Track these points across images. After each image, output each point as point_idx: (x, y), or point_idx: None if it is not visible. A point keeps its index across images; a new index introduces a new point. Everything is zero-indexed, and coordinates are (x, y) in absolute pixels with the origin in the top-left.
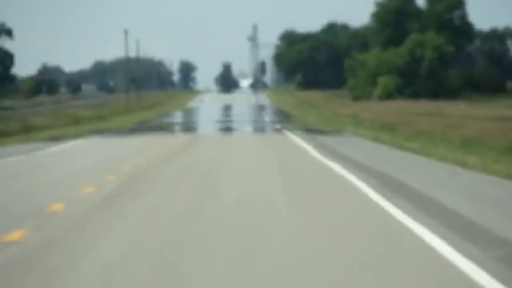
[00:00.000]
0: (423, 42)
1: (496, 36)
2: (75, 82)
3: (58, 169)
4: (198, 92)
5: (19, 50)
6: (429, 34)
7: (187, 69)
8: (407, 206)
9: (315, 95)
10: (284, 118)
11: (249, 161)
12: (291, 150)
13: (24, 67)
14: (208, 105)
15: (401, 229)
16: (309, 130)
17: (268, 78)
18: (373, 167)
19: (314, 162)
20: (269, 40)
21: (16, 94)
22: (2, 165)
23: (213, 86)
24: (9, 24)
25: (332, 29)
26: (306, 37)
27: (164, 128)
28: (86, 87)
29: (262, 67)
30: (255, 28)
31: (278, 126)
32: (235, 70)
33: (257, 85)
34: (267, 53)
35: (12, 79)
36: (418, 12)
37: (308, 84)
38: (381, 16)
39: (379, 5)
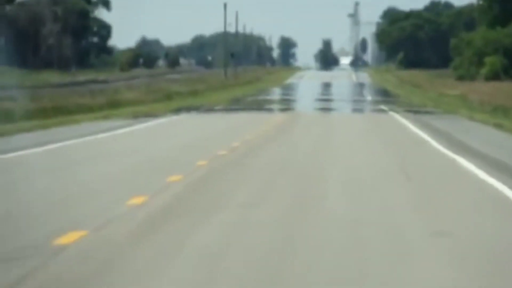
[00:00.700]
0: None
1: None
2: (173, 56)
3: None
4: (297, 69)
5: (118, 22)
6: None
7: (287, 45)
8: None
9: (418, 74)
10: (388, 98)
11: (358, 155)
12: (405, 137)
13: (123, 40)
14: (307, 82)
15: None
16: (417, 112)
17: (369, 56)
18: None
19: (439, 157)
20: (371, 18)
21: (113, 67)
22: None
23: (312, 63)
24: None
25: (435, 7)
26: (409, 15)
27: (261, 106)
28: (184, 62)
29: (362, 45)
30: (356, 5)
31: (382, 106)
32: (335, 48)
33: (358, 63)
34: (368, 31)
35: (109, 51)
36: None
37: (410, 63)
38: None
39: None
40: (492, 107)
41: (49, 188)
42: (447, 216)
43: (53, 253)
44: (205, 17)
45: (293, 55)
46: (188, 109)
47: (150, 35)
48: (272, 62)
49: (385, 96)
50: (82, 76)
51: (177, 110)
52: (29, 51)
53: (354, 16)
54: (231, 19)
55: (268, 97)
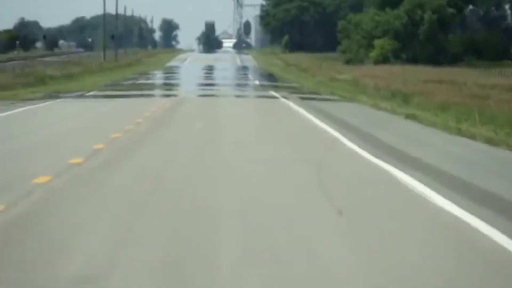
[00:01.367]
0: (423, 3)
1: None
2: (51, 38)
3: None
4: (180, 51)
5: None
6: None
7: (169, 28)
8: None
9: (304, 58)
10: (276, 82)
11: (256, 163)
12: (308, 133)
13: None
14: (190, 64)
15: None
16: (312, 99)
17: (252, 39)
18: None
19: (365, 167)
20: (254, 0)
21: None
22: None
23: (195, 46)
24: None
25: None
26: None
27: (139, 90)
28: (64, 44)
29: (246, 28)
30: None
31: (272, 92)
32: (219, 30)
33: (241, 45)
34: (251, 13)
35: None
36: None
37: (295, 46)
38: None
39: None
40: (390, 93)
41: None
42: None
43: None
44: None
45: (175, 38)
46: (58, 94)
47: (29, 16)
48: (154, 44)
49: (273, 80)
50: None
51: (46, 96)
52: None
53: None
54: (113, 1)
55: (148, 81)
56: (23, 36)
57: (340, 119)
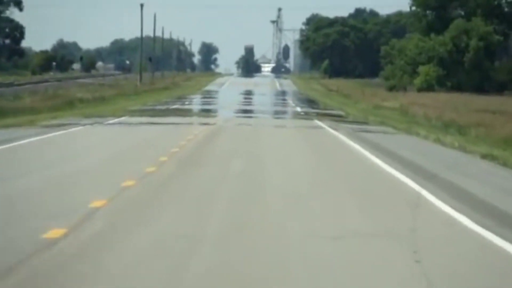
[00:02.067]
0: (469, 29)
1: None
2: (88, 60)
3: None
4: (218, 75)
5: (34, 24)
6: (475, 20)
7: (208, 51)
8: None
9: (345, 83)
10: (319, 110)
11: (312, 211)
12: (374, 180)
13: (40, 42)
14: (228, 89)
15: None
16: (364, 131)
17: (291, 63)
18: None
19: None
20: (293, 25)
21: (26, 70)
22: None
23: (234, 70)
24: None
25: (360, 15)
26: (334, 22)
27: (172, 116)
28: (102, 66)
29: (285, 52)
30: (279, 11)
31: (317, 120)
32: (258, 54)
33: (280, 70)
34: (291, 38)
35: (21, 53)
36: None
37: (335, 71)
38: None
39: None
40: (442, 123)
41: None
42: None
43: None
44: (126, 21)
45: (214, 61)
46: (79, 122)
47: (68, 38)
48: (193, 67)
49: (315, 107)
50: None
51: (61, 124)
52: None
53: (276, 23)
54: (152, 23)
55: (183, 107)
56: (60, 57)
57: (407, 160)
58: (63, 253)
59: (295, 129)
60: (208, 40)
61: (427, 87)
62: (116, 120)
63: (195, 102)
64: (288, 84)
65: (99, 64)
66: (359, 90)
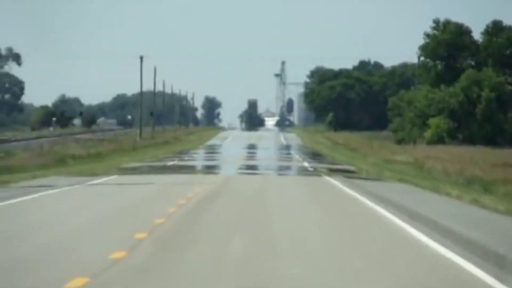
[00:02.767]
0: (480, 80)
1: None
2: (90, 115)
3: None
4: (221, 129)
5: (35, 80)
6: (486, 70)
7: (211, 105)
8: None
9: (351, 136)
10: (328, 164)
11: None
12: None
13: (41, 98)
14: (231, 143)
15: None
16: (382, 190)
17: (295, 117)
18: None
19: None
20: (297, 78)
21: (26, 125)
22: None
23: (237, 124)
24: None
25: (364, 67)
26: (338, 74)
27: (167, 174)
28: (104, 121)
29: (289, 105)
30: (283, 64)
31: (327, 178)
32: (261, 108)
33: (284, 123)
34: (294, 91)
35: (20, 108)
36: (473, 45)
37: (340, 124)
38: (432, 50)
39: (429, 37)
40: (464, 179)
41: None
42: None
43: None
44: (128, 76)
45: (217, 116)
46: (64, 180)
47: (71, 93)
48: (196, 122)
49: (323, 161)
50: None
51: (39, 186)
52: None
53: (280, 76)
54: (155, 79)
55: (181, 163)
56: (60, 113)
57: (456, 234)
58: None
59: (305, 189)
60: (211, 94)
61: (438, 140)
62: (103, 179)
63: (195, 158)
64: (292, 137)
65: (101, 119)
66: (367, 144)
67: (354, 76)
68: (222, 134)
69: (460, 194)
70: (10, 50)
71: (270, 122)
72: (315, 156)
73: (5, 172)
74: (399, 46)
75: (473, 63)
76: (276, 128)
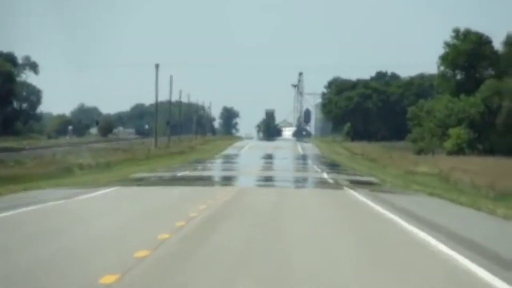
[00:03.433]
0: (500, 89)
1: None
2: (106, 124)
3: None
4: (238, 139)
5: (53, 89)
6: (507, 80)
7: (229, 115)
8: None
9: (369, 147)
10: (348, 176)
11: None
12: None
13: (60, 107)
14: (247, 153)
15: None
16: (419, 208)
17: (312, 127)
18: None
19: None
20: (314, 88)
21: (41, 134)
22: None
23: (255, 133)
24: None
25: (381, 78)
26: (356, 84)
27: (176, 186)
28: (122, 131)
29: (306, 116)
30: (300, 75)
31: (350, 191)
32: (279, 118)
33: (301, 133)
34: (311, 101)
35: (38, 118)
36: (494, 55)
37: (358, 134)
38: (452, 59)
39: (449, 46)
40: (498, 193)
41: None
42: None
43: None
44: (147, 86)
45: (235, 125)
46: (59, 191)
47: (90, 103)
48: (213, 131)
49: (343, 172)
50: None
51: (26, 198)
52: None
53: (297, 87)
54: (173, 88)
55: (193, 173)
56: (77, 121)
57: None
58: None
59: (327, 206)
60: (229, 105)
61: (458, 150)
62: (100, 192)
63: (209, 168)
64: (310, 147)
65: (119, 129)
66: (386, 154)
67: (372, 86)
68: (238, 143)
69: (507, 212)
70: (27, 58)
71: (287, 132)
72: (333, 166)
73: (6, 182)
74: (416, 56)
75: (493, 72)
76: (293, 138)
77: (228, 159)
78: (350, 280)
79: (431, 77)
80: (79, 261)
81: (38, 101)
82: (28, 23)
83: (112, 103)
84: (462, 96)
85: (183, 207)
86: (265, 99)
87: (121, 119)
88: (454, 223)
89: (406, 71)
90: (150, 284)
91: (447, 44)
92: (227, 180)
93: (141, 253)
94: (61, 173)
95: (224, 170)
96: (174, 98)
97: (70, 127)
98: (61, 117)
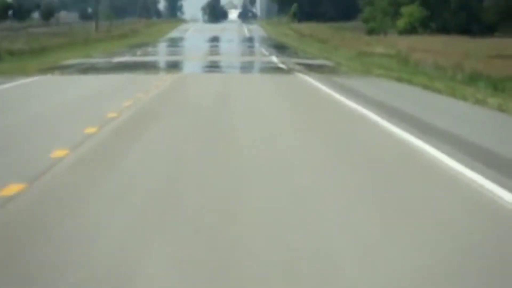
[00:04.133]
0: None
1: None
2: (48, 8)
3: None
4: (183, 21)
5: None
6: None
7: None
8: None
9: (318, 28)
10: (299, 59)
11: None
12: None
13: None
14: (192, 35)
15: None
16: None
17: (258, 9)
18: None
19: None
20: None
21: None
22: None
23: (200, 16)
24: None
25: None
26: None
27: (109, 73)
28: (65, 15)
29: None
30: None
31: (305, 77)
32: (224, 0)
33: (247, 15)
34: None
35: None
36: None
37: (304, 15)
38: None
39: None
40: (465, 75)
41: None
42: None
43: None
44: None
45: (180, 8)
46: None
47: None
48: (159, 15)
49: (293, 55)
50: None
51: None
52: None
53: None
54: None
55: (134, 59)
56: (18, 6)
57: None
58: None
59: (280, 99)
60: None
61: (410, 30)
62: (20, 82)
63: (150, 52)
64: (256, 29)
65: (63, 13)
66: (336, 35)
67: None
68: (183, 26)
69: (484, 99)
70: None
71: (233, 14)
72: (282, 49)
73: None
74: None
75: None
76: (239, 20)
77: (172, 42)
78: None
79: None
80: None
81: None
82: None
83: None
84: None
85: (103, 104)
86: None
87: (64, 3)
88: (455, 126)
89: None
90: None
91: None
92: (168, 67)
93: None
94: None
95: (166, 55)
96: None
97: (10, 12)
98: (1, 1)
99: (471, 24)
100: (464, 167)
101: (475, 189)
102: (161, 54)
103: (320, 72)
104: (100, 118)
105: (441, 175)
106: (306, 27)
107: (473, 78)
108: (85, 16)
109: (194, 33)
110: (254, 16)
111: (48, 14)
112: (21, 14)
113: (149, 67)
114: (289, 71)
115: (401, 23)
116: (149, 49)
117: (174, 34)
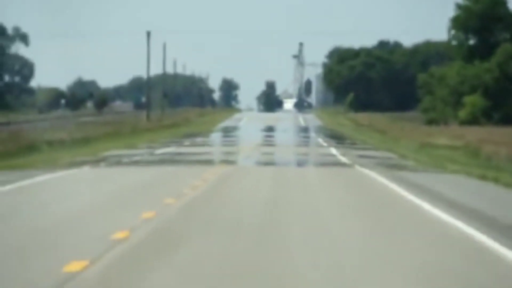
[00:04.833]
0: None
1: None
2: (100, 97)
3: None
4: (238, 110)
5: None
6: None
7: (229, 87)
8: None
9: (375, 117)
10: (358, 150)
11: None
12: None
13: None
14: (246, 125)
15: None
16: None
17: (313, 98)
18: None
19: None
20: (315, 59)
21: (34, 108)
22: None
23: (255, 105)
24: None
25: (384, 47)
26: (358, 53)
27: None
28: (119, 104)
29: (307, 87)
30: (300, 45)
31: (372, 174)
32: (279, 89)
33: (302, 105)
34: (312, 72)
35: (30, 91)
36: (509, 16)
37: (361, 104)
38: (463, 22)
39: (461, 8)
40: None
41: None
42: None
43: None
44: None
45: (235, 97)
46: None
47: (87, 76)
48: (213, 104)
49: (352, 146)
50: None
51: None
52: None
53: (298, 57)
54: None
55: (180, 149)
56: (71, 95)
57: None
58: None
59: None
60: (228, 76)
61: (472, 120)
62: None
63: (199, 143)
64: (312, 119)
65: (117, 102)
66: (394, 125)
67: (375, 54)
68: (238, 115)
69: None
70: (17, 29)
71: (288, 104)
72: (340, 139)
73: None
74: (420, 22)
75: (508, 36)
76: (294, 110)
77: (225, 132)
78: None
79: (437, 44)
80: None
81: (30, 74)
82: None
83: (111, 76)
84: (476, 62)
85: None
86: (266, 70)
87: (118, 92)
88: None
89: (409, 39)
90: None
91: (458, 6)
92: (216, 159)
93: None
94: (22, 151)
95: (217, 145)
96: (172, 70)
97: (62, 101)
98: (53, 90)
99: None
100: None
101: None
102: (211, 144)
103: (386, 167)
104: (105, 240)
105: None
106: (363, 116)
107: None
108: (139, 106)
109: (248, 122)
110: (310, 105)
111: (101, 103)
112: (75, 103)
113: (196, 159)
114: (351, 165)
115: (463, 113)
116: (200, 139)
117: (227, 123)
